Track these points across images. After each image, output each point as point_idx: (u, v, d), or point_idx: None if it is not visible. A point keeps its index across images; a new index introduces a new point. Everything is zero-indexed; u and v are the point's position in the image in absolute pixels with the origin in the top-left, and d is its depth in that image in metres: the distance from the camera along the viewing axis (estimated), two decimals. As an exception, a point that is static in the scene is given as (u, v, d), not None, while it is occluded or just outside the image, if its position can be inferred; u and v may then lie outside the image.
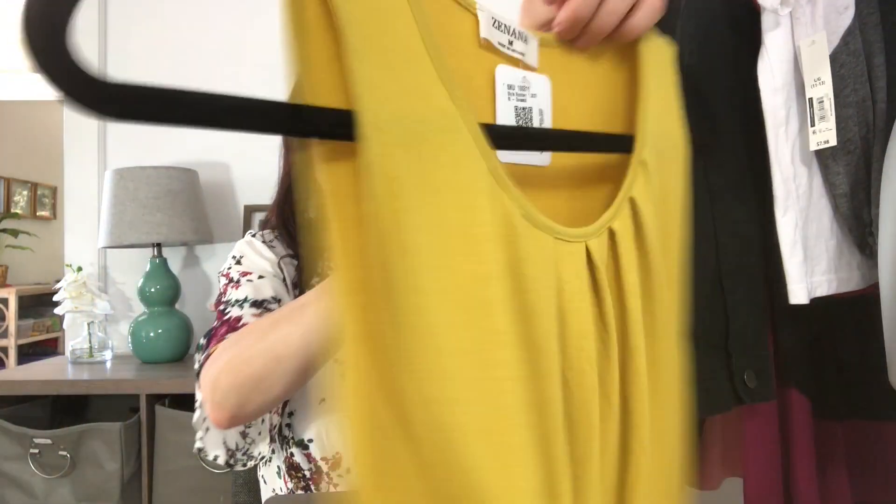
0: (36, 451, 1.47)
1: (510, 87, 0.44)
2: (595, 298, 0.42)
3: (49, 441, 1.47)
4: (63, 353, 1.92)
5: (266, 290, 0.84)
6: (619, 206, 0.44)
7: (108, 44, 1.98)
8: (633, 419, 0.44)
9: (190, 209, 1.73)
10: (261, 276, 0.86)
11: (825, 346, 0.84)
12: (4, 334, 3.75)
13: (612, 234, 0.44)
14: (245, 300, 0.81)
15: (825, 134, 0.71)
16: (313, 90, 0.31)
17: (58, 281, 1.83)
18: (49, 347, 4.12)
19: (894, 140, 0.69)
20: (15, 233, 3.92)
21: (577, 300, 0.40)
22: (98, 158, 1.96)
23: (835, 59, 0.72)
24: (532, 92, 0.45)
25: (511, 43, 0.43)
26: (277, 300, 0.84)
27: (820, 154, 0.75)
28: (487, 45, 0.42)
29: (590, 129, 0.48)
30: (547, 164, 0.48)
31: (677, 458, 0.49)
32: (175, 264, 1.92)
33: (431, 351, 0.32)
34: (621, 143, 0.47)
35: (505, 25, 0.43)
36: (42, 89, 3.75)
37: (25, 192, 4.57)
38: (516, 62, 0.44)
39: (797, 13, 0.73)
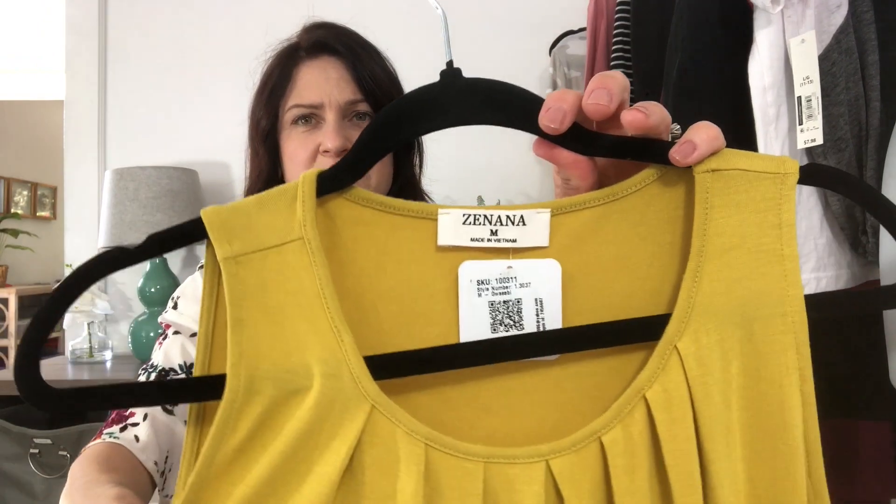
0: (36, 451, 1.48)
1: (482, 282, 0.40)
2: None
3: (49, 441, 1.48)
4: (63, 353, 1.92)
5: (174, 356, 0.76)
6: (619, 412, 0.36)
7: (108, 44, 1.99)
8: None
9: (190, 209, 1.74)
10: (176, 332, 0.79)
11: (810, 345, 0.84)
12: (4, 334, 3.76)
13: (602, 448, 0.36)
14: (154, 368, 0.76)
15: (812, 133, 0.71)
16: (210, 351, 0.37)
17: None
18: (49, 347, 4.12)
19: (895, 138, 0.69)
20: (15, 233, 3.92)
21: None
22: (98, 158, 1.96)
23: (826, 57, 0.72)
24: (521, 281, 0.40)
25: (494, 232, 0.40)
26: (188, 367, 0.76)
27: (811, 151, 0.76)
28: (452, 248, 0.40)
29: (621, 311, 0.40)
30: (554, 358, 0.40)
31: None
32: (175, 264, 1.93)
33: None
34: (639, 331, 0.38)
35: (486, 216, 0.39)
36: (42, 89, 3.75)
37: (25, 192, 4.58)
38: (503, 252, 0.40)
39: (788, 12, 0.73)
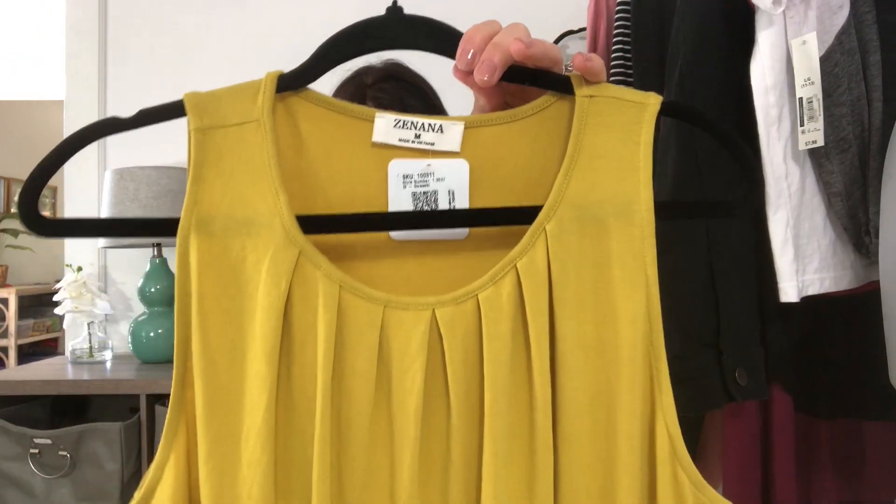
0: (36, 451, 1.47)
1: (406, 176, 0.49)
2: (441, 362, 0.45)
3: (49, 441, 1.47)
4: (63, 353, 1.92)
5: None
6: (494, 276, 0.45)
7: (108, 44, 1.98)
8: (482, 474, 0.45)
9: (189, 209, 1.74)
10: None
11: (814, 345, 0.84)
12: (4, 334, 3.76)
13: (478, 303, 0.45)
14: None
15: (813, 134, 0.71)
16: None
17: (58, 281, 1.83)
18: (49, 347, 4.13)
19: (895, 138, 0.69)
20: (15, 233, 3.92)
21: (406, 361, 0.45)
22: (98, 158, 1.96)
23: (829, 57, 0.72)
24: (438, 176, 0.49)
25: (418, 136, 0.49)
26: None
27: (814, 152, 0.75)
28: (383, 146, 0.49)
29: (513, 203, 0.49)
30: (464, 237, 0.50)
31: None
32: (175, 265, 1.92)
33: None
34: (521, 215, 0.47)
35: (412, 122, 0.49)
36: (42, 89, 3.74)
37: (26, 193, 4.57)
38: (424, 153, 0.49)
39: (790, 12, 0.73)
